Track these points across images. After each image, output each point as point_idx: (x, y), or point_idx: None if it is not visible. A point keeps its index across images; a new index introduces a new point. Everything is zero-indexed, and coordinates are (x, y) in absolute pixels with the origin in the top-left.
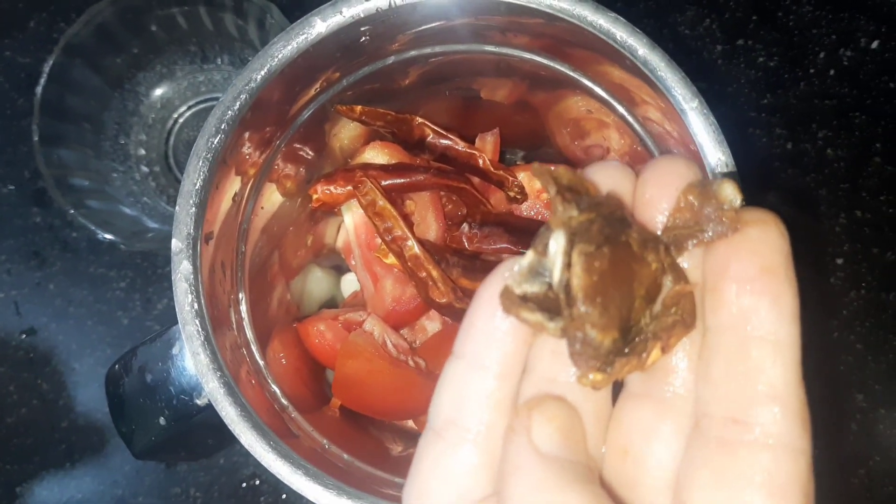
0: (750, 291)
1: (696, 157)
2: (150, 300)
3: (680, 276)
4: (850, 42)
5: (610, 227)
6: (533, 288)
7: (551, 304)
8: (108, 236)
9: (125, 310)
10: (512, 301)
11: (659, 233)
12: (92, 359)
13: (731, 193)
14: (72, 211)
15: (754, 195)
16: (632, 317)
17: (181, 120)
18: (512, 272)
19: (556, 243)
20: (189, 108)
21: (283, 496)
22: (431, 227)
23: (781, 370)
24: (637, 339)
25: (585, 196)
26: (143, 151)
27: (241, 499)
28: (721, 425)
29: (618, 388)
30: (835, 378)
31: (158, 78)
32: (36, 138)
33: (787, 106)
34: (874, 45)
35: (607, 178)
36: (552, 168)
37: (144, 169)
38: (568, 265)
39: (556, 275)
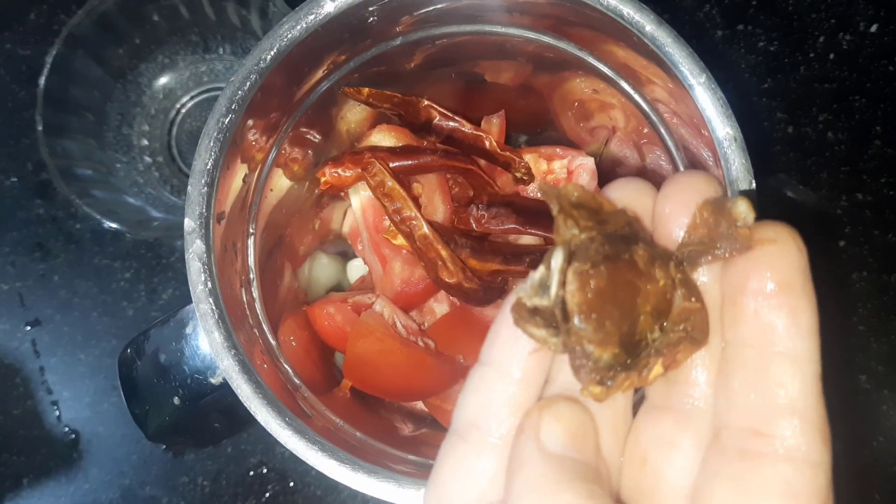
0: (768, 307)
1: (706, 140)
2: (155, 290)
3: (692, 291)
4: (850, 26)
5: (612, 245)
6: (542, 301)
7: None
8: (113, 225)
9: (130, 300)
10: (521, 314)
11: (674, 249)
12: (98, 349)
13: (744, 211)
14: (77, 200)
15: (756, 180)
16: (637, 332)
17: (184, 110)
18: (524, 285)
19: (555, 261)
20: (192, 98)
21: (291, 484)
22: (439, 209)
23: (801, 385)
24: (643, 353)
25: (596, 212)
26: (146, 142)
27: (248, 487)
28: (741, 437)
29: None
30: (837, 360)
31: (160, 68)
32: (40, 128)
33: (787, 90)
34: (873, 28)
35: (627, 193)
36: (560, 185)
37: (148, 159)
38: (564, 283)
39: (553, 291)
